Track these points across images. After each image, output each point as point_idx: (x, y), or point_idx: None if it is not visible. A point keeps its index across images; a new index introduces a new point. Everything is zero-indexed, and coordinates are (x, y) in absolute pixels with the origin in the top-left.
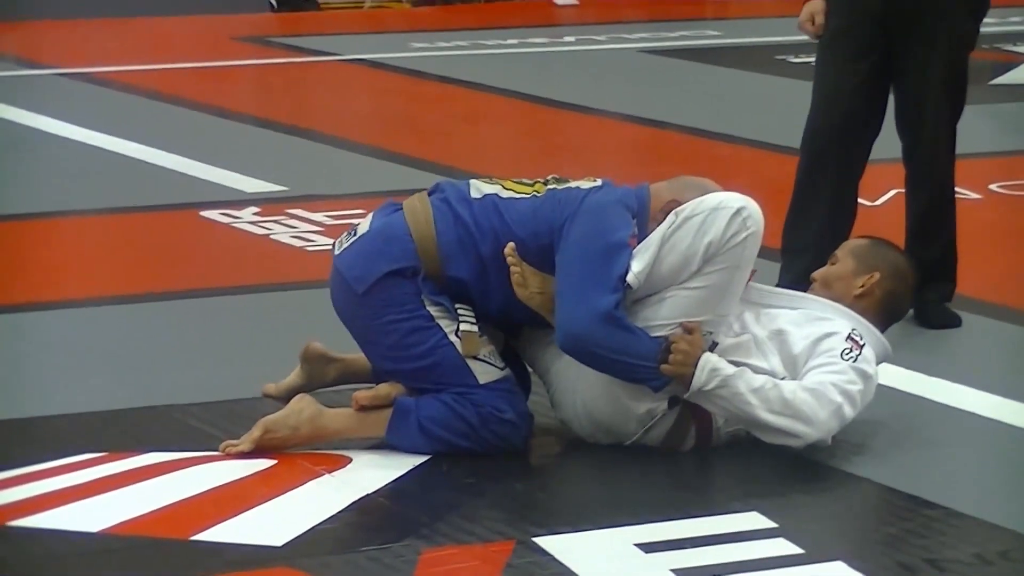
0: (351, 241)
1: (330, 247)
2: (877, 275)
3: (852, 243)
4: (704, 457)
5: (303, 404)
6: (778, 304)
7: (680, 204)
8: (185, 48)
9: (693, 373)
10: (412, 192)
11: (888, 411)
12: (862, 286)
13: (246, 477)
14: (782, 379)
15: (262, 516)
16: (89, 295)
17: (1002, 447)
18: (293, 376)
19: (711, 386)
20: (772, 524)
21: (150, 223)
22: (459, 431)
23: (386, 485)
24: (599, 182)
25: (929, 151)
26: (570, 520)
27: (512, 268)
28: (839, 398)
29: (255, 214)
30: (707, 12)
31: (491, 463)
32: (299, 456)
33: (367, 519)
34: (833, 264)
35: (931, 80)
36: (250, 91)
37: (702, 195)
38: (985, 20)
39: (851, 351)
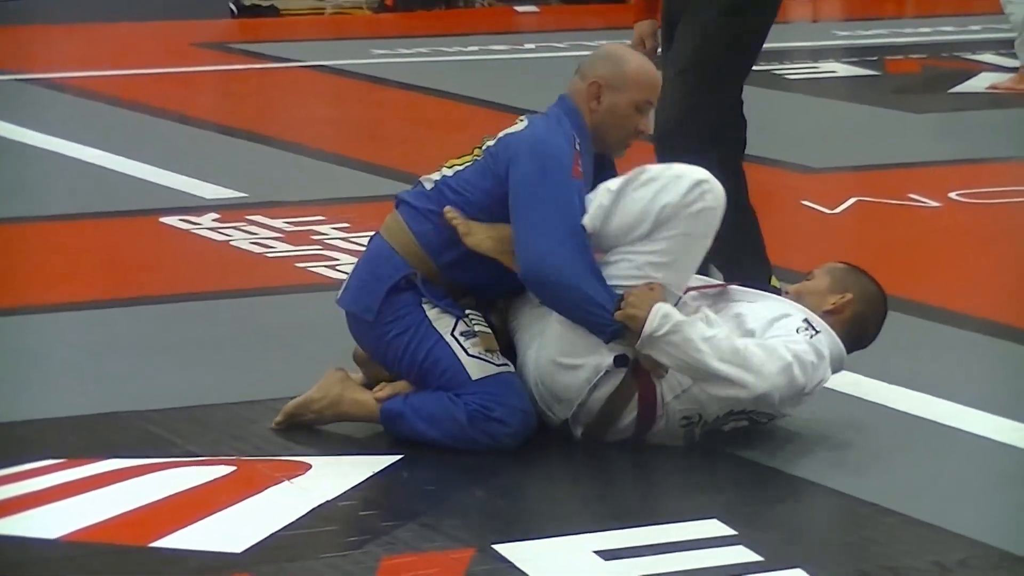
0: (347, 282)
1: (290, 254)
2: (850, 296)
3: (830, 264)
4: (662, 464)
5: (329, 385)
6: (738, 299)
7: (597, 83)
8: (145, 54)
9: (646, 318)
10: (372, 199)
11: (846, 418)
12: (833, 303)
13: (206, 484)
14: None
15: (222, 523)
16: (48, 301)
17: (961, 454)
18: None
19: (663, 331)
20: (731, 531)
21: (109, 229)
22: (448, 431)
23: (346, 492)
24: (525, 121)
25: (663, 135)
26: (530, 527)
27: (453, 223)
28: (790, 357)
29: (215, 220)
30: None
31: (452, 470)
32: (259, 463)
33: (327, 526)
34: (809, 280)
35: (675, 63)
36: (210, 97)
37: (607, 59)
38: (944, 28)
39: (807, 330)
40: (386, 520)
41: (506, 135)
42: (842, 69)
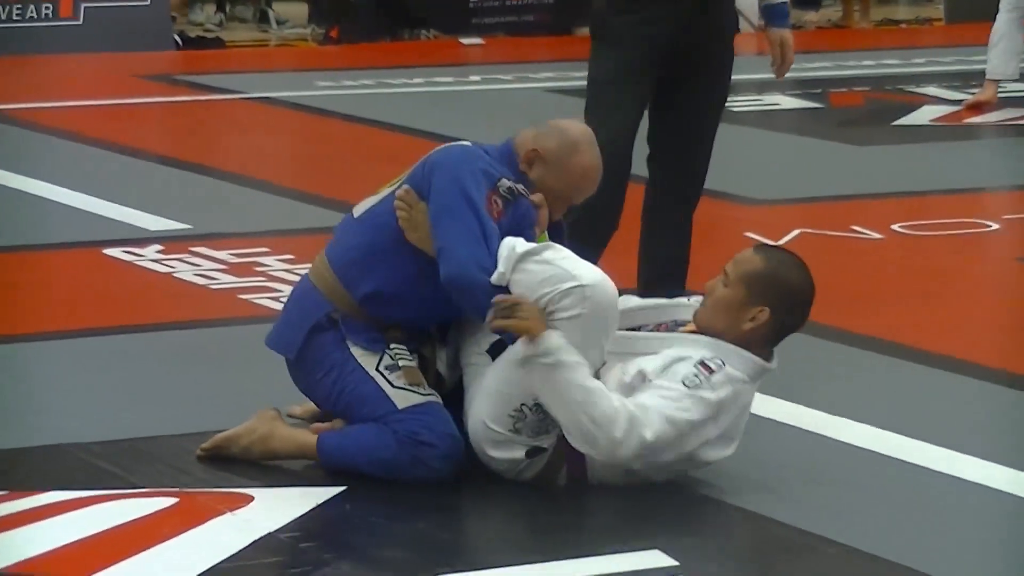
0: (276, 322)
1: (233, 286)
2: (767, 311)
3: (746, 265)
4: (605, 495)
5: (259, 423)
6: (643, 351)
7: (537, 152)
8: (89, 86)
9: (537, 336)
10: (315, 230)
11: (787, 449)
12: (752, 319)
13: (148, 516)
14: None
15: (164, 555)
16: None
17: (900, 484)
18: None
19: (548, 360)
20: (673, 562)
21: (53, 261)
22: (381, 460)
23: (288, 524)
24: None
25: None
26: (473, 559)
27: (399, 213)
28: (650, 436)
29: (158, 252)
30: None
31: (395, 502)
32: (201, 495)
33: (269, 558)
34: (725, 285)
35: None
36: (154, 129)
37: (560, 140)
38: (887, 62)
39: (696, 376)
40: (328, 552)
41: (429, 154)
42: (786, 102)
